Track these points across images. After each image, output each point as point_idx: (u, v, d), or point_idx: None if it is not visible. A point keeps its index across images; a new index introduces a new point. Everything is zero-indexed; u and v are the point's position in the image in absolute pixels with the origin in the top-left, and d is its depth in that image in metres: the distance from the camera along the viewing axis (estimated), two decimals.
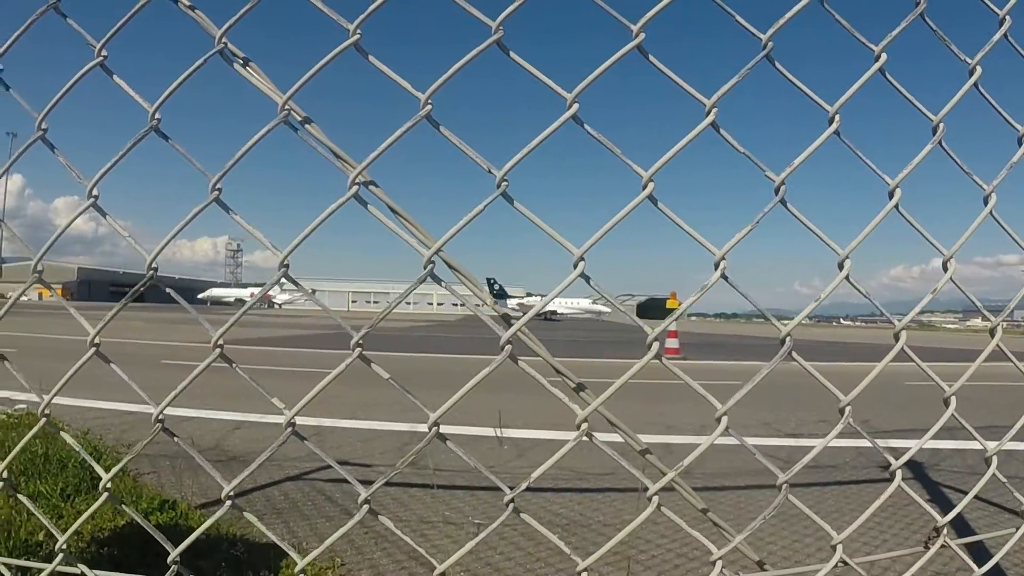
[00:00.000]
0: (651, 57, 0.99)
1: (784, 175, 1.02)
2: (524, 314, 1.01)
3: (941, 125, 1.11)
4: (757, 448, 1.04)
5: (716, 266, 0.99)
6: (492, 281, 59.53)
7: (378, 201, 1.03)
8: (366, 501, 1.00)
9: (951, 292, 1.32)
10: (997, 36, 1.20)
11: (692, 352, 14.57)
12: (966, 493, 1.31)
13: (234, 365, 1.02)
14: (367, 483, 1.08)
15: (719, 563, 1.03)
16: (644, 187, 0.98)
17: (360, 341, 0.98)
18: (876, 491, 1.14)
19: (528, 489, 1.03)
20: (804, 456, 1.07)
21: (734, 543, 1.05)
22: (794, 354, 1.03)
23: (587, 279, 0.97)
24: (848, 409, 1.04)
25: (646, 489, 1.01)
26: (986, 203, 1.13)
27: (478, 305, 1.09)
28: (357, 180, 0.99)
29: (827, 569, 1.08)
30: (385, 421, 4.73)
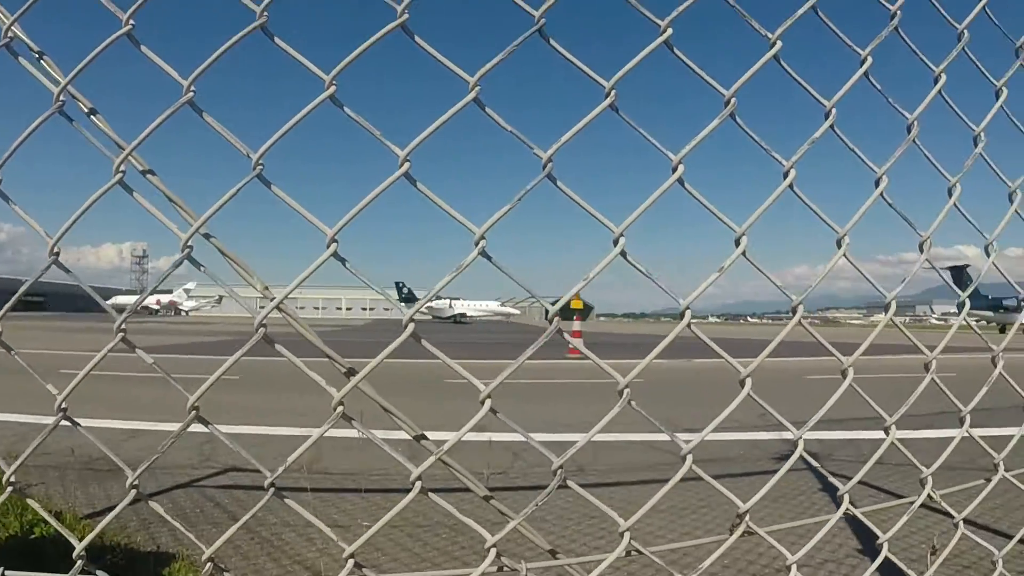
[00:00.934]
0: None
1: (551, 151, 0.99)
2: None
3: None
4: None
5: (475, 244, 0.97)
6: (401, 285, 57.83)
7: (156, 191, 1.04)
8: (133, 486, 1.01)
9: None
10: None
11: (594, 352, 14.32)
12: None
13: (12, 353, 1.04)
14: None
15: (493, 550, 1.02)
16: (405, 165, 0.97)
17: (123, 326, 0.99)
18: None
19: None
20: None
21: (512, 525, 1.03)
22: (566, 335, 1.01)
23: (342, 261, 0.97)
24: (627, 391, 1.02)
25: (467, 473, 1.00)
26: (785, 177, 1.09)
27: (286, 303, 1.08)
28: (121, 168, 0.99)
29: (613, 557, 1.05)
30: (281, 427, 4.73)
